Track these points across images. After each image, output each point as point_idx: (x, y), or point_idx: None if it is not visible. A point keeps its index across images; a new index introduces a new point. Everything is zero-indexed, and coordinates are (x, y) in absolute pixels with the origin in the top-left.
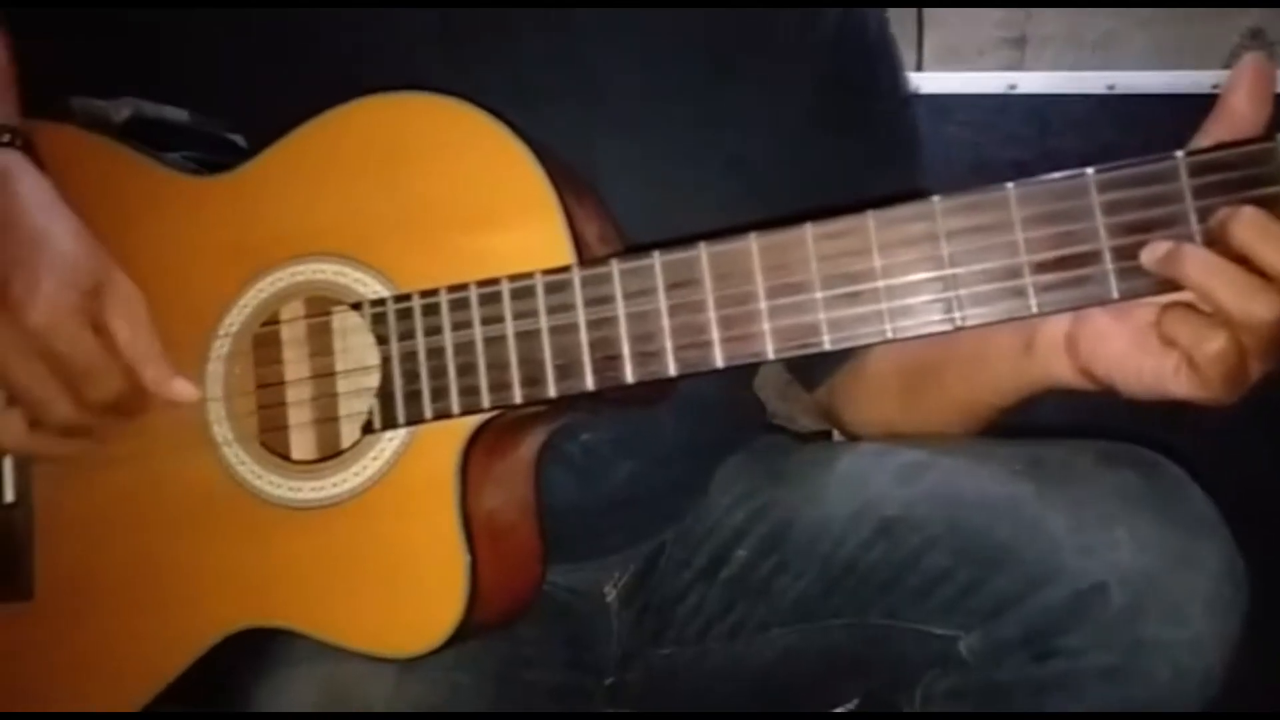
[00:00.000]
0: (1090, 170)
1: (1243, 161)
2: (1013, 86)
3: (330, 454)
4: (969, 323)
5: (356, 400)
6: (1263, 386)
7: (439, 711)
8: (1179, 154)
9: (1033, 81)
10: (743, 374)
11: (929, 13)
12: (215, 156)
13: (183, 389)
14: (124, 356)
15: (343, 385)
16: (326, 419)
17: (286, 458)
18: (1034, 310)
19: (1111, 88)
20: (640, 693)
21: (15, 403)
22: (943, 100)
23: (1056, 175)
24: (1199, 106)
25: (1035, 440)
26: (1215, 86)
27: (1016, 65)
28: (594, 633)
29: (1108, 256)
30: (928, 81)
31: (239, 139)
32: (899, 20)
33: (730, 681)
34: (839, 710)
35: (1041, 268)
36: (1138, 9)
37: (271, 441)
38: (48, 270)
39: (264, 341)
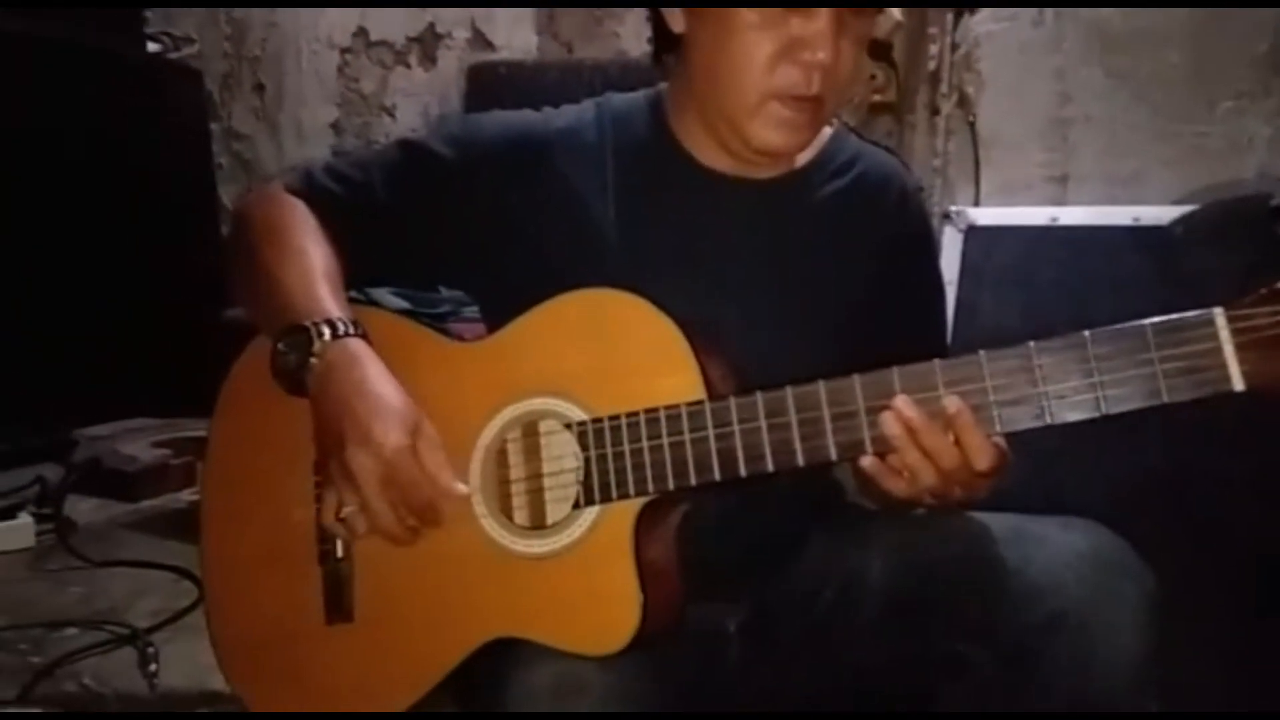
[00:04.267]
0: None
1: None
2: (1055, 219)
3: (538, 523)
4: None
5: (559, 490)
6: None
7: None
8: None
9: (1072, 215)
10: (823, 468)
11: (984, 154)
12: (413, 289)
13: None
14: (427, 471)
15: (548, 481)
16: (536, 502)
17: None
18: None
19: (1137, 220)
20: (753, 703)
21: (362, 510)
22: (995, 230)
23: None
24: None
25: (1019, 514)
26: None
27: (1059, 200)
28: (719, 654)
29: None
30: (984, 215)
31: None
32: (960, 162)
33: (819, 693)
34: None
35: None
36: (1161, 151)
37: (508, 514)
38: (392, 421)
39: (501, 450)
